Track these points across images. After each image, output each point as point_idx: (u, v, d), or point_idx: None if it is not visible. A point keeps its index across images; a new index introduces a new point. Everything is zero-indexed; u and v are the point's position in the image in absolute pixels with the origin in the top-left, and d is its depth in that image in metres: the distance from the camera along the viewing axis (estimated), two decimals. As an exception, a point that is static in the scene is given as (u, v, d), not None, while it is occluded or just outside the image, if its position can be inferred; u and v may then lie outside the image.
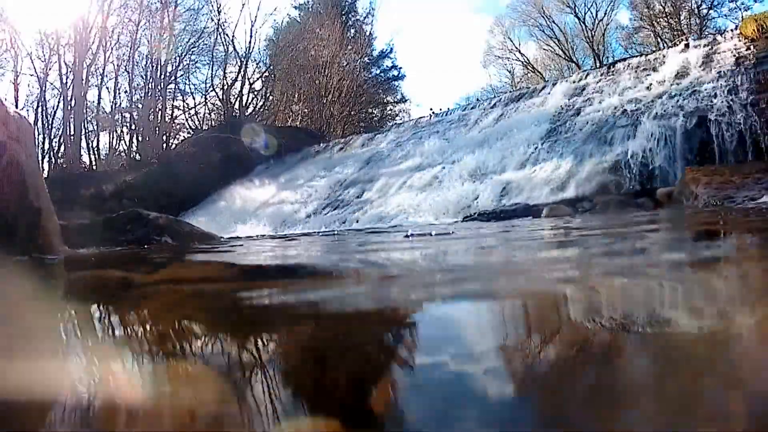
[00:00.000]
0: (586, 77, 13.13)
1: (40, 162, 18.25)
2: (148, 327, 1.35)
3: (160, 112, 21.55)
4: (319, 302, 1.57)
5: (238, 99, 22.67)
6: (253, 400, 0.78)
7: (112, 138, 21.55)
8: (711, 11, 21.09)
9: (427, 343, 1.04)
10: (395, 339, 1.13)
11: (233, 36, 23.00)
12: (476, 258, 2.75)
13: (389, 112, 30.36)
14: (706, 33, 17.97)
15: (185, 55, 22.31)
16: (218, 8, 22.25)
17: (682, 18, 21.70)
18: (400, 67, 31.12)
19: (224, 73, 22.92)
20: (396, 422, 0.70)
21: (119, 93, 21.77)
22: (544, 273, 1.92)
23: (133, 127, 21.71)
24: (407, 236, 4.01)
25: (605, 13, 24.82)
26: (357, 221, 9.72)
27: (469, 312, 1.34)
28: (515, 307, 1.37)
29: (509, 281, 1.78)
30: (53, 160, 20.56)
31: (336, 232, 7.43)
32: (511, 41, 27.89)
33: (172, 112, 22.54)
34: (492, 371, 0.84)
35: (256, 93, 23.57)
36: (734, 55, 9.78)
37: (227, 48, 22.77)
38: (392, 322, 1.27)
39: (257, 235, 7.68)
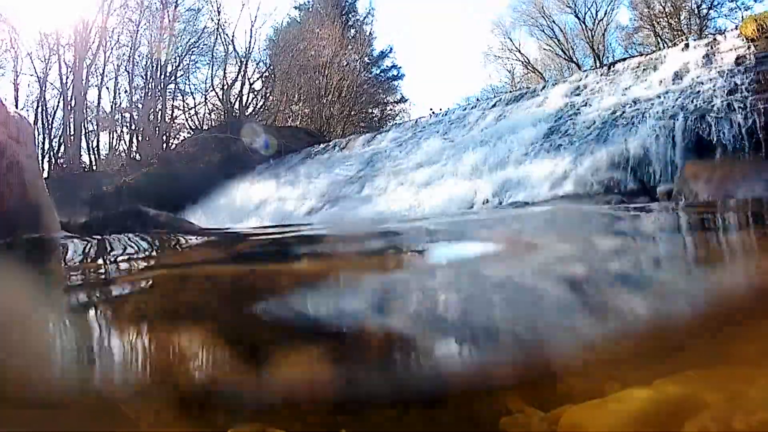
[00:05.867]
0: (586, 77, 13.13)
1: (40, 162, 18.24)
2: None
3: (160, 112, 21.55)
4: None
5: (238, 99, 22.66)
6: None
7: (112, 138, 21.57)
8: (711, 11, 21.06)
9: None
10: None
11: (233, 36, 23.01)
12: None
13: (389, 112, 30.32)
14: (706, 33, 17.96)
15: (185, 55, 22.31)
16: (218, 8, 22.26)
17: (682, 18, 21.67)
18: (400, 67, 30.97)
19: (224, 73, 22.92)
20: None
21: (119, 93, 21.79)
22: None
23: (133, 127, 21.72)
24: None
25: (605, 13, 24.76)
26: (356, 218, 9.73)
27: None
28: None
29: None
30: (53, 160, 20.56)
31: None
32: (511, 41, 27.84)
33: (172, 112, 22.55)
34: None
35: (256, 93, 23.57)
36: (734, 55, 9.77)
37: (227, 48, 22.77)
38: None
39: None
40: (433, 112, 17.00)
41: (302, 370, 0.96)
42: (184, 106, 23.20)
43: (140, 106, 21.51)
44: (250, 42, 23.04)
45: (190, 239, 3.06)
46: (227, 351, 1.07)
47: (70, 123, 20.19)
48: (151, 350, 0.99)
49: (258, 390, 0.92)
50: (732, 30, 11.61)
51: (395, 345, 1.12)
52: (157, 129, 21.25)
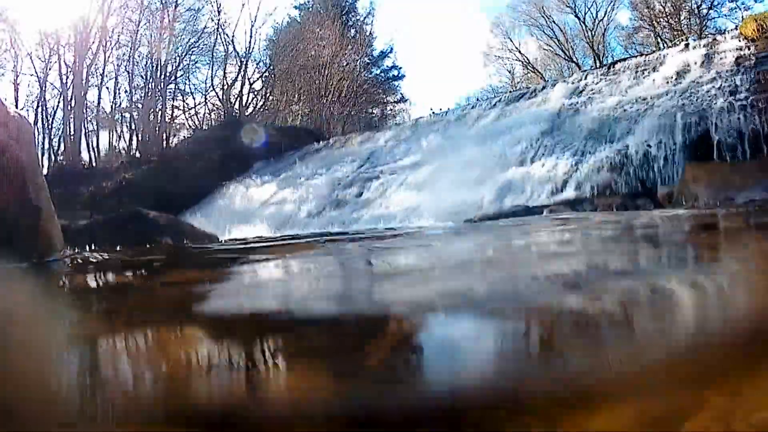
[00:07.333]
0: (585, 77, 13.13)
1: (40, 161, 18.17)
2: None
3: (160, 112, 21.54)
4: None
5: (238, 99, 22.66)
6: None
7: (112, 138, 21.57)
8: (711, 11, 21.08)
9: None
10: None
11: (233, 36, 23.01)
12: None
13: (389, 111, 30.34)
14: (706, 33, 17.97)
15: (185, 55, 22.32)
16: (218, 8, 22.26)
17: (682, 18, 21.68)
18: (400, 67, 30.99)
19: (224, 73, 22.92)
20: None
21: (119, 93, 21.80)
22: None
23: (133, 126, 21.72)
24: None
25: (605, 13, 24.78)
26: (357, 222, 9.73)
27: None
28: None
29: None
30: (53, 159, 20.57)
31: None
32: (511, 41, 27.85)
33: (172, 112, 22.55)
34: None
35: (256, 93, 23.57)
36: (734, 55, 9.77)
37: (227, 48, 22.79)
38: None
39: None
40: (433, 112, 17.03)
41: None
42: (184, 106, 23.25)
43: (140, 106, 21.50)
44: (250, 42, 23.06)
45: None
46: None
47: (70, 123, 20.19)
48: None
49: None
50: (732, 30, 11.61)
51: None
52: (157, 129, 21.25)
